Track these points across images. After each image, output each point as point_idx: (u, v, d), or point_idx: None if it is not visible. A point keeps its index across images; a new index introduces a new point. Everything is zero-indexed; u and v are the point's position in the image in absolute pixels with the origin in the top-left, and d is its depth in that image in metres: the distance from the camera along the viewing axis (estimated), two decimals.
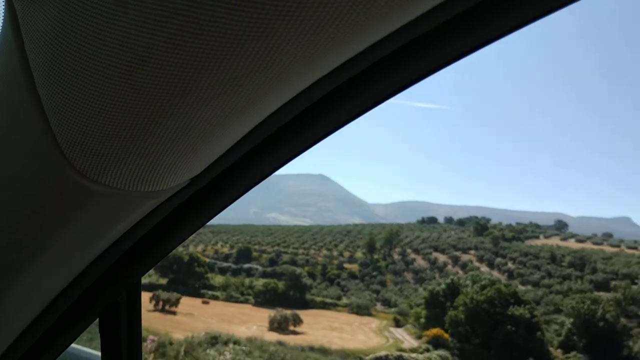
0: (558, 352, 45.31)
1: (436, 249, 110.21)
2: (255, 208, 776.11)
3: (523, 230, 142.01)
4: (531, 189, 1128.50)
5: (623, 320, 48.49)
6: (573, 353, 43.65)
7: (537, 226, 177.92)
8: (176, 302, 50.14)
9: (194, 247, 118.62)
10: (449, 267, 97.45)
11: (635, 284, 74.17)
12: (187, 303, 57.91)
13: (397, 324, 63.74)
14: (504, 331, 42.28)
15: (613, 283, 75.38)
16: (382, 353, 36.16)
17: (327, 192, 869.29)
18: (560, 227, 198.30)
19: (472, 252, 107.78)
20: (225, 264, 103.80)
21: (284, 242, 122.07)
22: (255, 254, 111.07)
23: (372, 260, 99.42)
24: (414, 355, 36.99)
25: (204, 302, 63.02)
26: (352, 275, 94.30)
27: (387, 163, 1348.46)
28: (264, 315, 60.08)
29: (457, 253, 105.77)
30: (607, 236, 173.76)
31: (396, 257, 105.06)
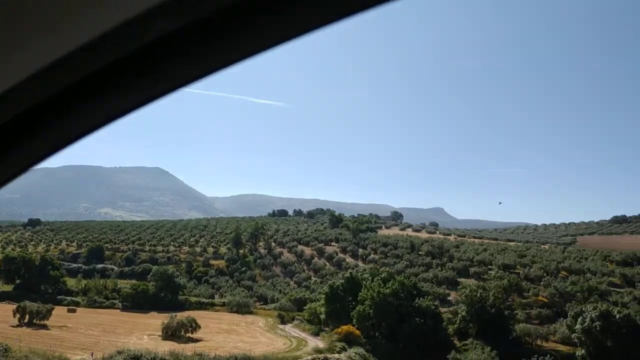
0: (454, 340, 46.64)
1: (300, 242, 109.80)
2: (85, 203, 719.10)
3: (368, 222, 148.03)
4: (358, 182, 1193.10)
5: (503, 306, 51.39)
6: (470, 340, 45.14)
7: (378, 217, 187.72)
8: (47, 314, 42.36)
9: (33, 247, 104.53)
10: (316, 259, 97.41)
11: (491, 269, 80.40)
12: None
13: (283, 321, 61.60)
14: (412, 323, 42.27)
15: (472, 269, 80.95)
16: (308, 358, 33.74)
17: (165, 186, 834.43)
18: (396, 217, 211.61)
19: (334, 244, 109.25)
20: (74, 265, 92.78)
21: (139, 240, 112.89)
22: (108, 252, 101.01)
23: (239, 255, 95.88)
24: (336, 356, 35.13)
25: (69, 310, 54.89)
26: (221, 272, 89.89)
27: (225, 156, 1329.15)
28: (145, 321, 54.11)
29: (321, 245, 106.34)
30: (434, 225, 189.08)
31: (262, 251, 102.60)
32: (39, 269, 68.86)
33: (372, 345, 40.95)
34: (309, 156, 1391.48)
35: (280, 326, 57.07)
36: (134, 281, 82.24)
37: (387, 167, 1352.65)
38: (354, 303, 46.05)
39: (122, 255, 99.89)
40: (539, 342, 48.66)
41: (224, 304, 69.83)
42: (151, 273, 71.30)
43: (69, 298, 66.24)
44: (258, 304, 73.16)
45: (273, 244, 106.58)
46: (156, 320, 53.39)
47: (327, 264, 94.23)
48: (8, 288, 70.03)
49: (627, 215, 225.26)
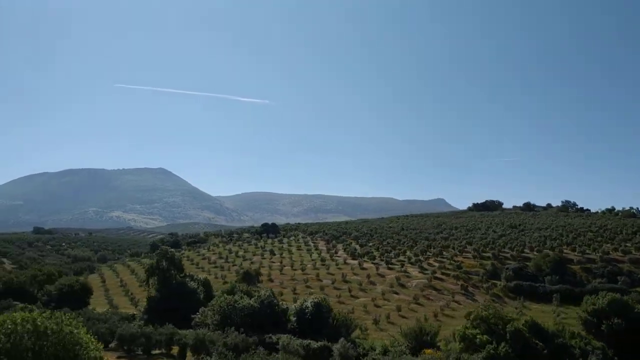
0: None
1: None
2: (94, 207, 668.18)
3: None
4: (363, 178, 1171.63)
5: None
6: None
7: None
8: None
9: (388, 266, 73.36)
10: None
11: None
12: None
13: None
14: None
15: None
16: None
17: (172, 187, 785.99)
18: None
19: None
20: (546, 286, 63.52)
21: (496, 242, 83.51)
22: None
23: None
24: None
25: None
26: None
27: (220, 155, 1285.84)
28: None
29: None
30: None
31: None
32: None
33: None
34: (303, 152, 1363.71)
35: None
36: None
37: (385, 161, 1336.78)
38: None
39: (583, 268, 70.85)
40: None
41: None
42: None
43: None
44: None
45: None
46: None
47: None
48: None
49: None
